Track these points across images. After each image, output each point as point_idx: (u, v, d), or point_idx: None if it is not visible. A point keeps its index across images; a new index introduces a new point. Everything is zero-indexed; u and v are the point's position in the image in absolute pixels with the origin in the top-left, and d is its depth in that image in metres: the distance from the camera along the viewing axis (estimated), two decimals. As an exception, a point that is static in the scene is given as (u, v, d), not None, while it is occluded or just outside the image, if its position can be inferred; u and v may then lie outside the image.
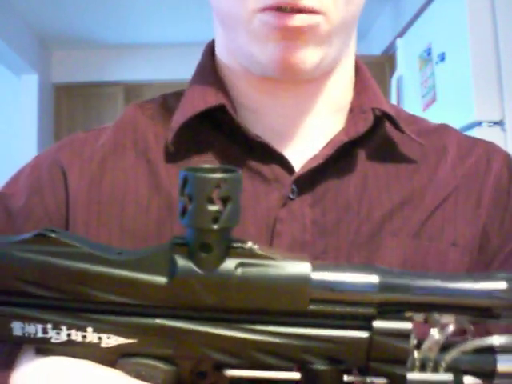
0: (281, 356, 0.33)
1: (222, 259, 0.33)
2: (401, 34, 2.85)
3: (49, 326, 0.34)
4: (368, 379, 0.34)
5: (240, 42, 0.51)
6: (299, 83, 0.52)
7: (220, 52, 0.57)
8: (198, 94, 0.54)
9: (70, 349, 0.34)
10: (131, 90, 4.26)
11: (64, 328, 0.34)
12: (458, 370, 0.34)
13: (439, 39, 2.10)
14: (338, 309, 0.33)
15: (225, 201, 0.31)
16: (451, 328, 0.34)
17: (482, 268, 0.54)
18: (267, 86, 0.53)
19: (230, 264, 0.33)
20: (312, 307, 0.33)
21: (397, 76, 2.54)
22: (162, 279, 0.33)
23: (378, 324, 0.33)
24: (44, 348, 0.35)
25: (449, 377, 0.34)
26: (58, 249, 0.34)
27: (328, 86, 0.54)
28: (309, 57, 0.48)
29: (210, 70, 0.56)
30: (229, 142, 0.53)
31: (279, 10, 0.46)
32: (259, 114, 0.54)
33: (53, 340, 0.34)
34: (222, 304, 0.33)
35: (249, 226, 0.50)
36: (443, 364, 0.34)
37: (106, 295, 0.33)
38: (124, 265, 0.33)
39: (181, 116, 0.53)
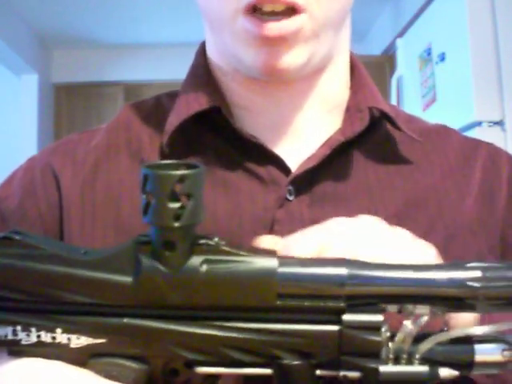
0: (251, 352, 0.33)
1: (186, 257, 0.33)
2: (401, 34, 2.85)
3: (18, 327, 0.34)
4: (341, 373, 0.33)
5: (226, 43, 0.51)
6: (290, 82, 0.52)
7: (211, 53, 0.57)
8: (192, 95, 0.54)
9: (40, 350, 0.34)
10: (131, 90, 4.26)
11: (33, 330, 0.34)
12: (433, 362, 0.33)
13: (439, 39, 2.10)
14: (307, 303, 0.33)
15: (187, 198, 0.31)
16: (425, 319, 0.33)
17: None
18: (258, 86, 0.53)
19: (195, 261, 0.33)
20: (280, 302, 0.33)
21: (397, 76, 2.54)
22: (127, 279, 0.33)
23: (347, 317, 0.33)
24: (15, 350, 0.34)
25: (424, 369, 0.33)
26: (23, 251, 0.34)
27: (321, 82, 0.54)
28: (294, 60, 0.48)
29: (202, 70, 0.56)
30: (224, 143, 0.53)
31: (259, 11, 0.46)
32: (253, 114, 0.54)
33: (23, 342, 0.34)
34: (189, 302, 0.33)
35: (246, 227, 0.49)
36: (417, 356, 0.33)
37: (72, 296, 0.33)
38: (89, 265, 0.33)
39: (175, 118, 0.53)
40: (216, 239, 0.33)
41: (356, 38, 4.28)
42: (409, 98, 2.44)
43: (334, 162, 0.52)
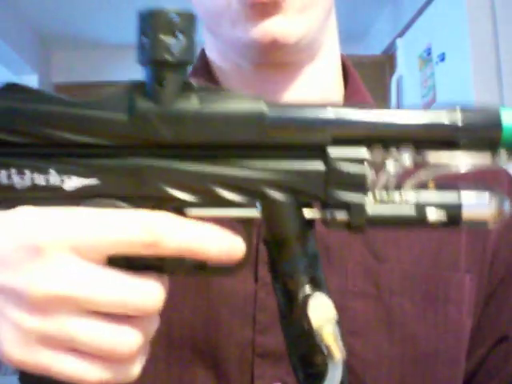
0: (240, 189, 0.34)
1: (179, 94, 0.33)
2: (401, 34, 2.85)
3: (13, 170, 0.34)
4: (328, 213, 0.34)
5: (225, 34, 0.52)
6: (286, 66, 0.53)
7: (210, 54, 0.58)
8: None
9: (34, 194, 0.34)
10: (131, 90, 4.26)
11: (27, 172, 0.34)
12: (419, 205, 0.33)
13: (439, 39, 2.10)
14: (294, 140, 0.34)
15: (180, 35, 0.32)
16: (407, 160, 0.33)
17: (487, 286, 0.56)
18: (257, 80, 0.54)
19: (186, 98, 0.33)
20: (268, 139, 0.33)
21: (397, 76, 2.54)
22: (121, 116, 0.33)
23: (332, 150, 0.34)
24: (9, 197, 0.34)
25: (410, 208, 0.33)
26: (24, 95, 0.34)
27: (312, 71, 0.55)
28: (291, 27, 0.49)
29: (202, 71, 0.58)
30: None
31: None
32: None
33: (17, 186, 0.34)
34: (181, 138, 0.33)
35: None
36: (403, 199, 0.34)
37: (68, 135, 0.34)
38: (84, 105, 0.34)
39: None
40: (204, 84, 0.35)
41: (356, 38, 4.28)
42: (409, 98, 2.44)
43: None
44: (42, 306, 0.31)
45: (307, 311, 0.33)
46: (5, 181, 0.34)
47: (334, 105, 0.34)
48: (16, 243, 0.32)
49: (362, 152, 0.34)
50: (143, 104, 0.33)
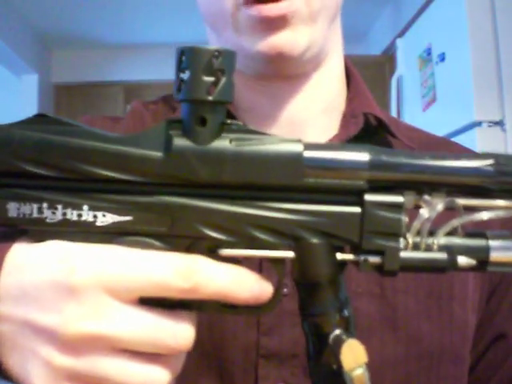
0: (275, 231, 0.33)
1: (216, 134, 0.33)
2: (401, 34, 2.85)
3: (44, 205, 0.33)
4: (361, 258, 0.33)
5: (230, 40, 0.52)
6: (291, 78, 0.53)
7: None
8: None
9: (65, 229, 0.33)
10: (131, 90, 4.26)
11: (59, 207, 0.33)
12: (451, 251, 0.34)
13: (439, 39, 2.10)
14: (330, 184, 0.33)
15: (220, 74, 0.32)
16: (440, 206, 0.34)
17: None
18: (261, 86, 0.54)
19: (224, 138, 0.33)
20: (305, 182, 0.33)
21: (397, 76, 2.54)
22: (157, 154, 0.33)
23: (369, 197, 0.33)
24: (38, 230, 0.34)
25: (442, 255, 0.33)
26: (57, 127, 0.34)
27: (318, 81, 0.55)
28: (297, 39, 0.49)
29: None
30: None
31: (260, 1, 0.48)
32: (254, 115, 0.55)
33: (48, 220, 0.33)
34: (217, 178, 0.33)
35: None
36: (435, 245, 0.34)
37: (102, 171, 0.33)
38: (121, 141, 0.33)
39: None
40: (242, 123, 0.34)
41: (356, 38, 4.28)
42: (409, 98, 2.44)
43: None
44: (75, 345, 0.31)
45: (340, 356, 0.33)
46: (35, 214, 0.34)
47: (371, 148, 0.34)
48: (49, 280, 0.32)
49: (399, 198, 0.33)
50: (180, 142, 0.33)
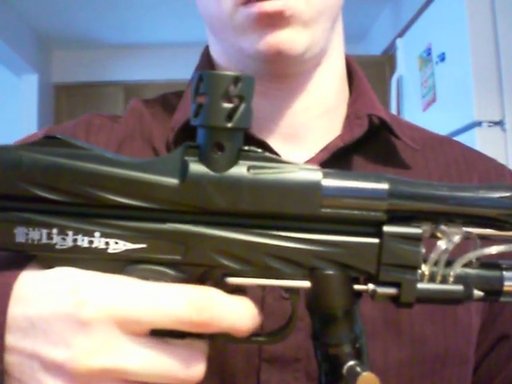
0: (291, 261, 0.33)
1: (234, 161, 0.32)
2: (401, 34, 2.85)
3: (54, 230, 0.32)
4: (378, 289, 0.33)
5: (229, 41, 0.51)
6: (290, 77, 0.53)
7: (214, 54, 0.58)
8: None
9: (75, 256, 0.32)
10: (131, 90, 4.26)
11: (70, 233, 0.32)
12: (466, 283, 0.34)
13: (439, 39, 2.10)
14: (348, 215, 0.33)
15: (239, 100, 0.31)
16: (457, 238, 0.34)
17: None
18: (260, 86, 0.53)
19: (241, 166, 0.32)
20: (323, 212, 0.33)
21: (397, 76, 2.54)
22: (173, 180, 0.32)
23: (388, 228, 0.33)
24: (47, 256, 0.33)
25: (459, 287, 0.33)
26: (67, 151, 0.33)
27: (318, 80, 0.55)
28: (296, 39, 0.48)
29: (206, 70, 0.57)
30: None
31: (259, 0, 0.47)
32: (254, 117, 0.54)
33: (58, 246, 0.32)
34: (234, 206, 0.32)
35: None
36: (451, 277, 0.34)
37: (115, 197, 0.32)
38: (135, 167, 0.32)
39: (181, 116, 0.54)
40: (260, 150, 0.33)
41: (356, 38, 4.28)
42: (409, 97, 2.44)
43: (333, 168, 0.52)
44: (84, 379, 0.31)
45: None
46: (44, 240, 0.32)
47: (390, 178, 0.34)
48: (59, 313, 0.31)
49: (417, 230, 0.33)
50: (197, 169, 0.32)
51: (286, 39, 0.48)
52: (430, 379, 0.51)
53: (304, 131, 0.54)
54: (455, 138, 0.63)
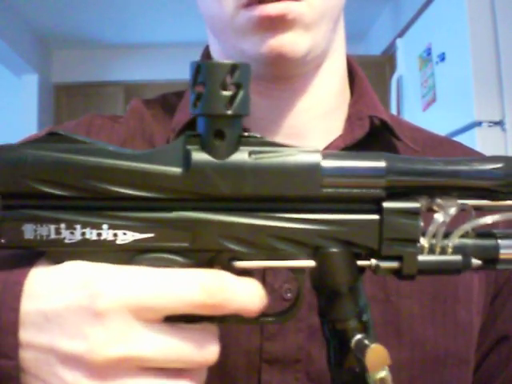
0: (296, 242, 0.34)
1: (235, 147, 0.33)
2: (401, 34, 2.85)
3: (62, 225, 0.33)
4: (380, 263, 0.34)
5: (230, 43, 0.51)
6: (291, 78, 0.53)
7: (214, 54, 0.58)
8: None
9: (84, 249, 0.33)
10: (131, 90, 4.26)
11: (78, 227, 0.33)
12: (464, 253, 0.35)
13: (439, 39, 2.10)
14: (349, 193, 0.34)
15: (236, 88, 0.32)
16: (453, 210, 0.35)
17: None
18: (262, 87, 0.53)
19: (243, 151, 0.33)
20: (324, 192, 0.34)
21: (397, 76, 2.54)
22: (176, 169, 0.33)
23: (387, 204, 0.34)
24: (56, 251, 0.33)
25: (458, 257, 0.35)
26: (71, 146, 0.33)
27: (318, 80, 0.54)
28: (298, 42, 0.48)
29: None
30: None
31: (261, 2, 0.47)
32: (255, 117, 0.54)
33: (66, 241, 0.33)
34: (238, 191, 0.33)
35: None
36: (450, 248, 0.35)
37: (121, 189, 0.33)
38: (138, 158, 0.33)
39: (182, 116, 0.54)
40: (259, 134, 0.34)
41: (356, 38, 4.28)
42: (409, 97, 2.44)
43: None
44: (102, 369, 0.31)
45: (365, 360, 0.33)
46: (53, 235, 0.33)
47: (386, 156, 0.35)
48: (73, 306, 0.31)
49: (416, 204, 0.34)
50: (199, 157, 0.33)
51: (288, 42, 0.48)
52: (431, 380, 0.51)
53: (305, 132, 0.54)
54: (455, 138, 0.63)
